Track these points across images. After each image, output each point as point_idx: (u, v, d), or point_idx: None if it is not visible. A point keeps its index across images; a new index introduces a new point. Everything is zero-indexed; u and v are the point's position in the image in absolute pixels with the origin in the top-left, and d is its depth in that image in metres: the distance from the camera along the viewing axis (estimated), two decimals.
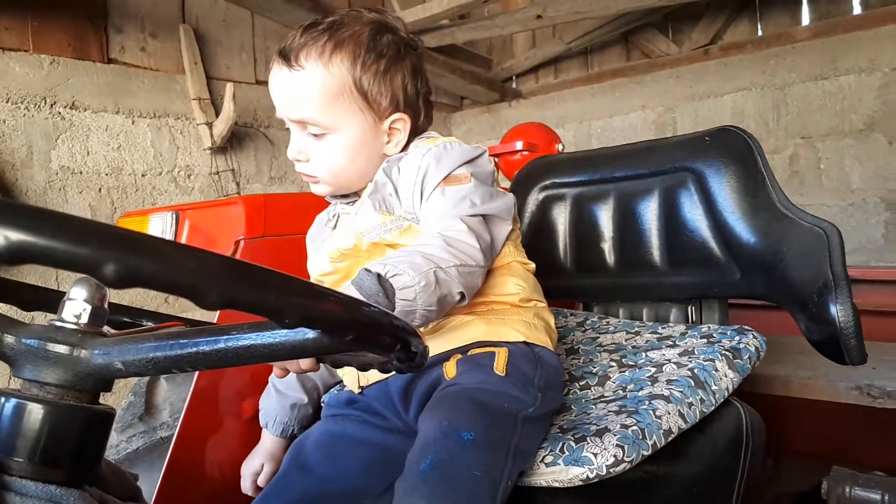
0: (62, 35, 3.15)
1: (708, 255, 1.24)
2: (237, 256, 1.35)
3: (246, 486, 1.27)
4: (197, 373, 1.33)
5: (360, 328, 0.48)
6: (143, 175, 3.40)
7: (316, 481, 1.06)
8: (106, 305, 0.57)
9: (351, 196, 1.22)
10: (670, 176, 1.28)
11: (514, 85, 5.08)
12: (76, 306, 0.55)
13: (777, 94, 3.82)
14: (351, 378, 1.15)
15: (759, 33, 4.08)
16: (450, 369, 1.02)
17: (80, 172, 3.19)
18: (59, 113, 3.12)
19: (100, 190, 3.25)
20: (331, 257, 1.14)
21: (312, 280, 1.17)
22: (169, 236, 1.46)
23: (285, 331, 0.49)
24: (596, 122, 4.55)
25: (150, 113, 3.44)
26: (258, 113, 3.89)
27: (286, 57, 1.11)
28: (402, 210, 1.11)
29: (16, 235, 0.33)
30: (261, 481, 1.27)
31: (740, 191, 1.18)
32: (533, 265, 1.18)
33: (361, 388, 1.13)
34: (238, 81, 3.77)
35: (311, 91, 1.09)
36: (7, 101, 2.97)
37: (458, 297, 0.96)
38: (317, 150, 1.13)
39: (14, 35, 3.02)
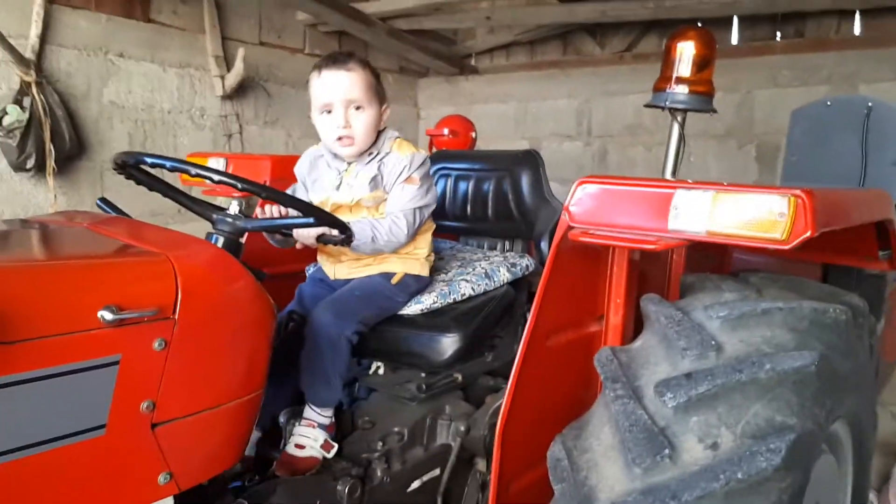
0: None
1: (512, 216, 2.35)
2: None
3: None
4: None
5: (324, 217, 1.57)
6: (168, 112, 4.40)
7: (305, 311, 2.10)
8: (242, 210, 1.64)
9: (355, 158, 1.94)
10: (500, 171, 2.38)
11: (472, 62, 6.08)
12: (234, 206, 1.61)
13: None
14: (330, 271, 2.09)
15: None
16: (371, 273, 2.02)
17: (123, 107, 4.17)
18: (111, 60, 4.08)
19: (136, 122, 4.24)
20: (337, 203, 1.96)
21: (314, 199, 1.99)
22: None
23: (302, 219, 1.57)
24: (532, 102, 5.60)
25: (177, 63, 4.41)
26: (259, 69, 4.87)
27: (338, 62, 1.87)
28: (382, 187, 1.91)
29: None
30: None
31: (529, 185, 2.30)
32: (434, 225, 2.11)
33: (335, 278, 2.08)
34: (246, 42, 4.74)
35: (359, 81, 1.87)
36: (74, 49, 3.93)
37: (385, 251, 1.90)
38: (357, 119, 1.86)
39: None
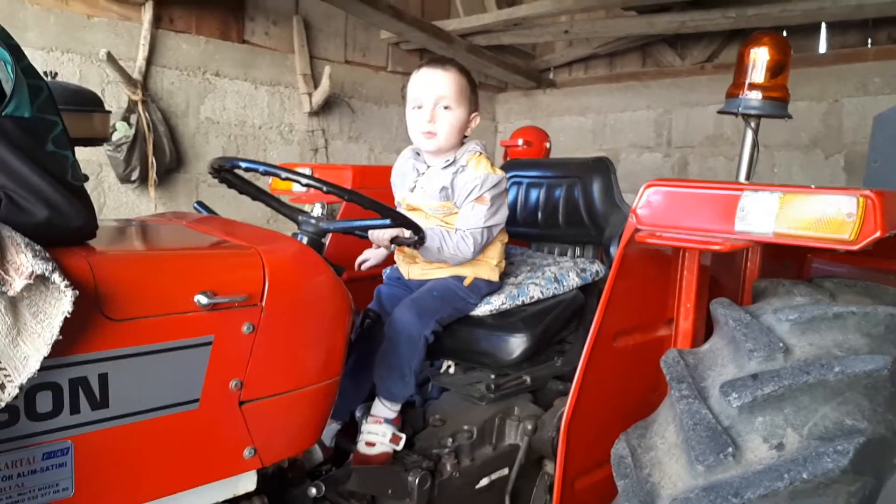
0: (214, 22, 4.39)
1: (583, 222, 2.38)
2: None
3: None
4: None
5: (398, 219, 1.66)
6: (259, 128, 4.65)
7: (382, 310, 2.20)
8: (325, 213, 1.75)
9: (435, 158, 2.04)
10: (571, 179, 2.41)
11: (550, 75, 6.12)
12: (318, 209, 1.73)
13: None
14: (405, 271, 2.21)
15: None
16: (443, 275, 2.12)
17: (218, 123, 4.45)
18: (208, 79, 4.37)
19: (230, 136, 4.51)
20: (411, 205, 2.08)
21: (396, 199, 2.15)
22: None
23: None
24: (611, 114, 5.58)
25: (268, 81, 4.67)
26: (345, 86, 5.08)
27: (437, 62, 2.00)
28: (453, 200, 1.98)
29: None
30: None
31: (599, 191, 2.32)
32: (506, 237, 2.19)
33: (409, 278, 2.21)
34: (332, 61, 4.96)
35: (452, 82, 1.96)
36: (175, 69, 4.23)
37: (450, 263, 1.97)
38: (443, 117, 1.95)
39: (183, 21, 4.27)
